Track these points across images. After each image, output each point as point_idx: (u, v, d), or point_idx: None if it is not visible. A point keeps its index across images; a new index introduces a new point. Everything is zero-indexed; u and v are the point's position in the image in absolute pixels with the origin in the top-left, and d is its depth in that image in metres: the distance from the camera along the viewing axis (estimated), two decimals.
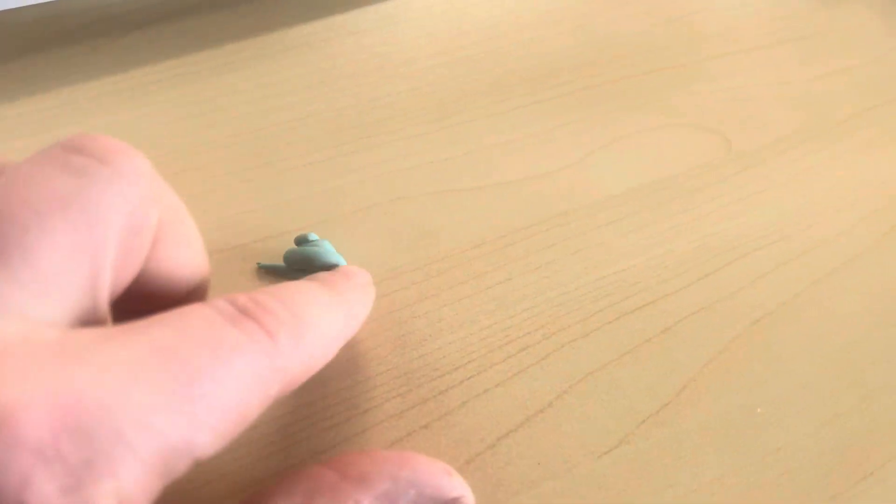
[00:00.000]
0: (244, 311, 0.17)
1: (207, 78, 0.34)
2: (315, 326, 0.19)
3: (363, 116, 0.34)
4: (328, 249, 0.28)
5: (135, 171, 0.17)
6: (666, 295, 0.30)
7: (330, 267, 0.28)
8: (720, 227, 0.32)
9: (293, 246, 0.29)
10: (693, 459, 0.27)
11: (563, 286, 0.30)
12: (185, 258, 0.20)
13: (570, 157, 0.34)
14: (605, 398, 0.28)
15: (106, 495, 0.13)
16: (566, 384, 0.28)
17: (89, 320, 0.16)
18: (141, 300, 0.19)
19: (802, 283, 0.31)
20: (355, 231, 0.30)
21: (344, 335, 0.22)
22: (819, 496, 0.26)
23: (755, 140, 0.36)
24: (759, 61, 0.39)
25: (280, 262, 0.29)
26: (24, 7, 0.34)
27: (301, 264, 0.28)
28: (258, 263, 0.29)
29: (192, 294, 0.21)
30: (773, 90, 0.38)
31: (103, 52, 0.35)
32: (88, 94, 0.33)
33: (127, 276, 0.18)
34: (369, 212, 0.31)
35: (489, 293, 0.30)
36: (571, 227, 0.32)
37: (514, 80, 0.36)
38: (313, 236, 0.28)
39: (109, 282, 0.16)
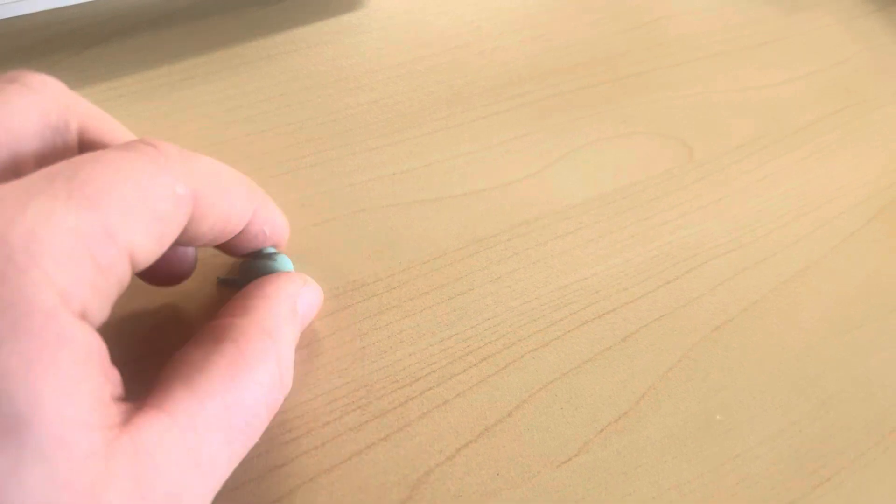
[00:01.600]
0: (136, 140, 0.20)
1: (166, 93, 0.34)
2: (206, 161, 0.22)
3: (323, 129, 0.34)
4: (285, 263, 0.28)
5: (42, 84, 0.21)
6: (626, 303, 0.30)
7: None
8: (680, 234, 0.33)
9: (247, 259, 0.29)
10: (652, 467, 0.27)
11: (525, 296, 0.30)
12: (228, 203, 0.22)
13: (531, 167, 0.34)
14: (565, 407, 0.28)
15: (38, 284, 0.15)
16: (527, 393, 0.28)
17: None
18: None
19: (761, 289, 0.32)
20: (316, 244, 0.30)
21: (246, 193, 0.23)
22: (777, 502, 0.27)
23: (715, 147, 0.36)
24: (719, 68, 0.40)
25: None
26: None
27: (257, 277, 0.28)
28: (217, 278, 0.29)
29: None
30: (733, 97, 0.38)
31: (62, 67, 0.34)
32: None
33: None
34: (330, 224, 0.31)
35: (450, 304, 0.30)
36: (532, 236, 0.32)
37: (475, 91, 0.36)
38: (270, 249, 0.28)
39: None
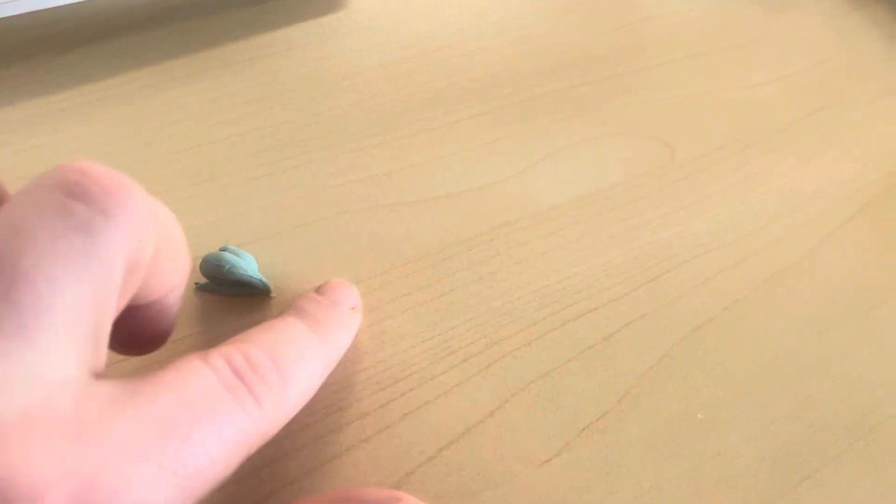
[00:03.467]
0: (238, 374, 0.19)
1: (148, 95, 0.34)
2: (300, 381, 0.21)
3: (305, 131, 0.34)
4: (248, 262, 0.28)
5: (135, 219, 0.17)
6: (608, 302, 0.31)
7: (244, 282, 0.28)
8: (661, 234, 0.33)
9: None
10: (633, 466, 0.27)
11: (507, 296, 0.30)
12: (174, 268, 0.20)
13: (513, 168, 0.34)
14: (546, 406, 0.28)
15: None
16: (508, 393, 0.28)
17: (95, 358, 0.17)
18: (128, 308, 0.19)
19: (742, 289, 0.32)
20: (299, 245, 0.30)
21: (323, 376, 0.23)
22: (757, 501, 0.27)
23: (697, 148, 0.36)
24: (701, 69, 0.40)
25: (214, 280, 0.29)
26: None
27: (216, 272, 0.28)
28: (195, 283, 0.29)
29: (173, 290, 0.21)
30: (714, 98, 0.39)
31: (44, 69, 0.34)
32: (29, 112, 0.33)
33: (123, 304, 0.18)
34: (312, 226, 0.31)
35: (432, 305, 0.30)
36: (514, 237, 0.32)
37: (457, 93, 0.36)
38: (233, 249, 0.28)
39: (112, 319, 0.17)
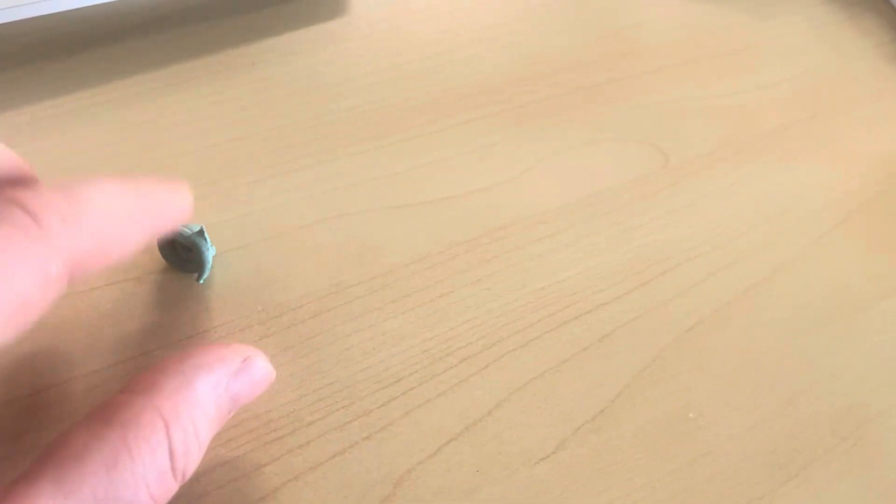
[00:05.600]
0: (12, 201, 0.17)
1: (150, 99, 0.34)
2: (95, 204, 0.19)
3: (304, 135, 0.34)
4: (204, 244, 0.29)
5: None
6: (602, 304, 0.31)
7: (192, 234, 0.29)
8: (653, 238, 0.34)
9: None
10: (627, 464, 0.28)
11: (504, 298, 0.31)
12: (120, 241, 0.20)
13: (508, 173, 0.35)
14: (543, 405, 0.29)
15: None
16: (506, 392, 0.29)
17: None
18: None
19: (732, 291, 0.33)
20: (299, 248, 0.31)
21: (140, 215, 0.20)
22: (746, 498, 0.28)
23: (687, 153, 0.37)
24: (692, 75, 0.41)
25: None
26: None
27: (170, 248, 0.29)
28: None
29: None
30: (705, 104, 0.39)
31: (46, 73, 0.35)
32: (31, 116, 0.33)
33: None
34: (313, 228, 0.32)
35: (432, 306, 0.30)
36: (510, 240, 0.32)
37: (452, 98, 0.37)
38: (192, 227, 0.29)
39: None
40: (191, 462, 0.20)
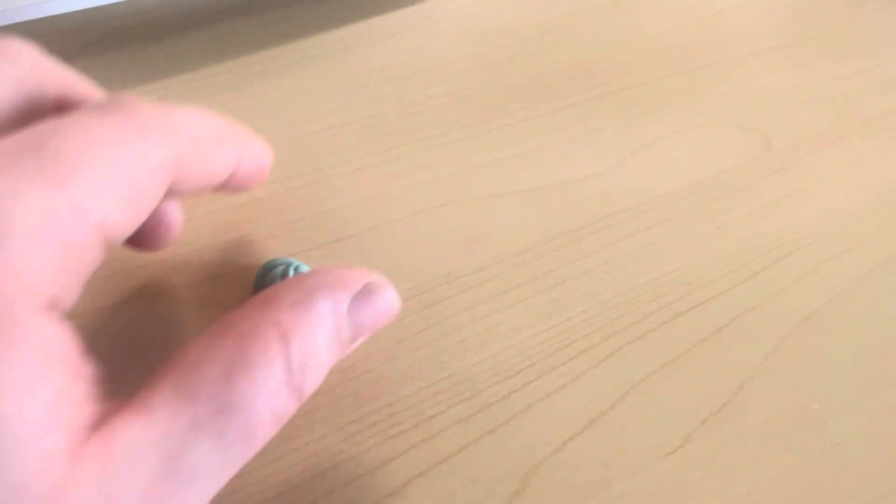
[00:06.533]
0: (115, 100, 0.19)
1: (242, 86, 0.34)
2: (190, 118, 0.20)
3: (404, 121, 0.34)
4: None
5: (18, 52, 0.20)
6: (717, 294, 0.31)
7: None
8: (763, 225, 0.33)
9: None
10: (755, 456, 0.27)
11: (617, 288, 0.30)
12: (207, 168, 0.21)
13: (613, 159, 0.34)
14: (665, 398, 0.28)
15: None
16: (627, 385, 0.28)
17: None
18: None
19: (848, 279, 0.32)
20: (404, 238, 0.30)
21: (230, 141, 0.22)
22: (876, 491, 0.27)
23: (791, 138, 0.36)
24: (787, 60, 0.40)
25: None
26: (56, 15, 0.33)
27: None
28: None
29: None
30: (803, 88, 0.39)
31: (137, 59, 0.34)
32: None
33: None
34: (417, 218, 0.31)
35: (544, 297, 0.30)
36: (619, 229, 0.32)
37: (551, 83, 0.36)
38: (298, 265, 0.28)
39: None
40: (308, 380, 0.19)
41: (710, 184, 0.34)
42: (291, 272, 0.27)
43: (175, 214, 0.26)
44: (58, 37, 0.34)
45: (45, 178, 0.16)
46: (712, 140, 0.35)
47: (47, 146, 0.16)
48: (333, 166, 0.32)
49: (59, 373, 0.15)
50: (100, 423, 0.16)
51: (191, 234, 0.29)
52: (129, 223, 0.18)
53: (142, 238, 0.25)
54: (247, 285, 0.28)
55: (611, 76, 0.37)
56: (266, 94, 0.34)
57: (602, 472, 0.26)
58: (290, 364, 0.18)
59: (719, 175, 0.34)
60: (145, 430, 0.16)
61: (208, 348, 0.18)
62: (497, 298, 0.29)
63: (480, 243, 0.31)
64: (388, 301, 0.22)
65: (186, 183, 0.20)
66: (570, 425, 0.27)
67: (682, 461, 0.27)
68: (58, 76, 0.21)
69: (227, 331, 0.19)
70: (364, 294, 0.21)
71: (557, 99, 0.36)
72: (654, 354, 0.29)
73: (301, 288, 0.20)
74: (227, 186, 0.23)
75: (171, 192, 0.19)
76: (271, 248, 0.29)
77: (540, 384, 0.28)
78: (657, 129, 0.35)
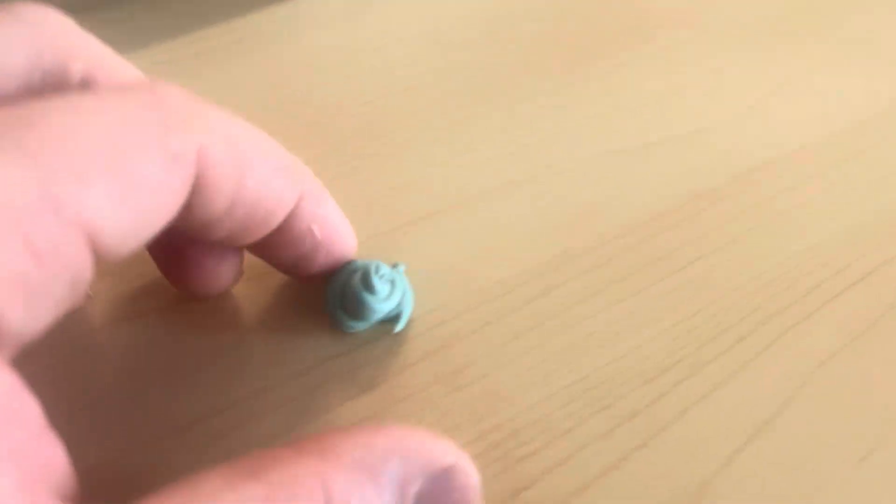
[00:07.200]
0: (142, 85, 0.16)
1: (287, 40, 0.29)
2: (236, 124, 0.17)
3: (487, 73, 0.29)
4: (402, 285, 0.22)
5: (39, 17, 0.17)
6: (886, 261, 0.25)
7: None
8: None
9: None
10: None
11: (770, 259, 0.25)
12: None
13: (744, 102, 0.29)
14: (845, 394, 0.23)
15: None
16: (798, 379, 0.23)
17: None
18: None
19: None
20: (501, 213, 0.26)
21: (285, 176, 0.18)
22: None
23: None
24: None
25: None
26: None
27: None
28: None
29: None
30: None
31: (169, 12, 0.29)
32: (156, 58, 0.28)
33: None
34: (516, 188, 0.26)
35: (683, 275, 0.25)
36: (762, 187, 0.27)
37: (659, 15, 0.31)
38: (379, 267, 0.22)
39: None
40: None
41: (865, 129, 0.28)
42: (375, 277, 0.21)
43: (232, 252, 0.21)
44: None
45: (17, 156, 0.12)
46: (862, 77, 0.30)
47: (34, 121, 0.13)
48: (407, 129, 0.27)
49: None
50: None
51: None
52: (131, 228, 0.14)
53: (189, 272, 0.21)
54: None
55: (734, 5, 0.31)
56: (315, 48, 0.28)
57: (785, 486, 0.21)
58: None
59: (873, 118, 0.29)
60: None
61: (226, 489, 0.13)
62: (627, 280, 0.24)
63: (597, 214, 0.26)
64: (470, 491, 0.17)
65: (217, 202, 0.16)
66: (736, 431, 0.22)
67: (876, 468, 0.21)
68: (86, 50, 0.18)
69: (257, 472, 0.14)
70: (444, 477, 0.16)
71: (669, 33, 0.31)
72: (828, 336, 0.24)
73: (372, 447, 0.15)
74: (280, 243, 0.19)
75: (197, 215, 0.16)
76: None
77: (693, 384, 0.23)
78: (794, 64, 0.30)
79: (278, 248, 0.20)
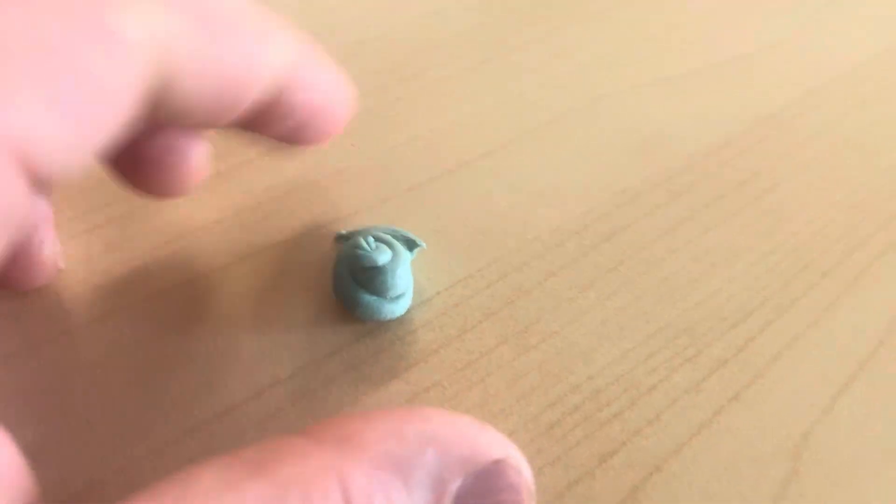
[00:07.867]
0: None
1: None
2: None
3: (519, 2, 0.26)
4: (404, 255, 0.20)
5: None
6: None
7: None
8: None
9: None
10: None
11: (849, 184, 0.23)
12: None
13: (803, 17, 0.26)
14: None
15: None
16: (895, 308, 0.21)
17: None
18: None
19: None
20: (555, 148, 0.23)
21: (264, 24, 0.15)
22: None
23: None
24: None
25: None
26: None
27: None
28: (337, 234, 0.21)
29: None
30: None
31: None
32: None
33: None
34: (567, 119, 0.24)
35: (757, 206, 0.23)
36: (832, 108, 0.24)
37: None
38: (385, 230, 0.20)
39: None
40: None
41: None
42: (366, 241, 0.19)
43: (196, 149, 0.18)
44: None
45: None
46: None
47: None
48: (438, 66, 0.24)
49: None
50: None
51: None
52: (72, 141, 0.11)
53: (144, 172, 0.17)
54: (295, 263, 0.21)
55: None
56: None
57: (893, 428, 0.19)
58: None
59: None
60: None
61: (225, 488, 0.11)
62: (699, 215, 0.22)
63: (657, 145, 0.23)
64: (523, 490, 0.14)
65: (188, 85, 0.13)
66: (834, 375, 0.20)
67: None
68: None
69: (264, 466, 0.11)
70: (490, 473, 0.13)
71: None
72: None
73: (402, 437, 0.12)
74: (276, 125, 0.16)
75: (166, 107, 0.13)
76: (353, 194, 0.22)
77: (783, 324, 0.21)
78: None
79: (262, 125, 0.16)
